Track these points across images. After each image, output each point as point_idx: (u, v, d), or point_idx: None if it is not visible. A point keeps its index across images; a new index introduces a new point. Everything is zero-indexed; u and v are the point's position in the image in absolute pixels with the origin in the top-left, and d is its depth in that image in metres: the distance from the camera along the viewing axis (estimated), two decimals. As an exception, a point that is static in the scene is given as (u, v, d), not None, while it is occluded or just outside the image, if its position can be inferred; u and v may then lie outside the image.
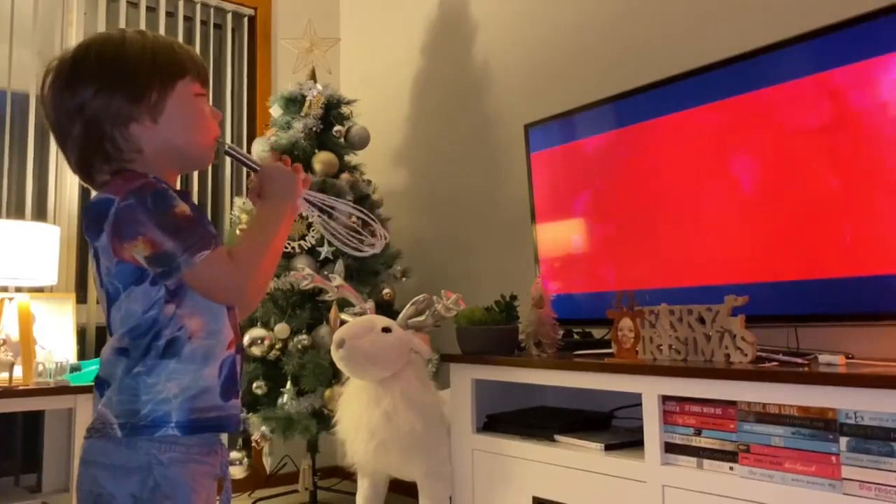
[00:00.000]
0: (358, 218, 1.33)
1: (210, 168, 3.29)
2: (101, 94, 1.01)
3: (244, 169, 3.24)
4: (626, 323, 1.80)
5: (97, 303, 2.91)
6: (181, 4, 3.28)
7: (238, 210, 2.79)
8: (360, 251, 1.28)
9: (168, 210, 0.98)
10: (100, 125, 1.01)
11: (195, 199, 3.28)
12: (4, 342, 2.40)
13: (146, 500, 0.96)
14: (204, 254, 0.97)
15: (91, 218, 1.01)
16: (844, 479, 1.34)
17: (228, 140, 3.43)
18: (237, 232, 2.70)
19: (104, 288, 1.02)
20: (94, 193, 1.05)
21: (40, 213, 2.89)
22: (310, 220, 1.17)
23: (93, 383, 1.04)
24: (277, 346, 2.55)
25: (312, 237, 2.62)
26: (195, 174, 3.19)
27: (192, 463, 0.99)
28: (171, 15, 3.27)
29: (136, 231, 0.96)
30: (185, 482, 0.98)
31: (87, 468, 0.99)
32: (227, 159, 3.32)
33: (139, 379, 0.97)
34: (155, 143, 1.04)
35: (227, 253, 1.00)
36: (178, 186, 1.09)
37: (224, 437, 1.12)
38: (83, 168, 1.05)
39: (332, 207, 1.24)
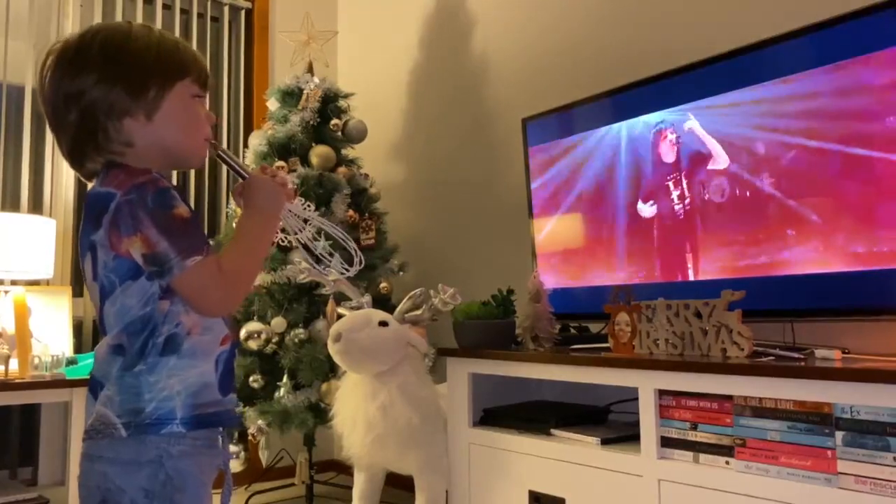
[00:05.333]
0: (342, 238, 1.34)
1: (208, 163, 3.28)
2: (101, 84, 1.01)
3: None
4: (622, 317, 1.80)
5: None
6: (178, -3, 3.26)
7: (235, 205, 2.78)
8: (342, 272, 1.31)
9: (167, 210, 0.97)
10: (95, 115, 1.01)
11: (194, 194, 3.28)
12: (0, 335, 2.39)
13: (157, 494, 0.96)
14: (195, 259, 0.97)
15: (90, 211, 1.00)
16: (840, 473, 1.35)
17: (225, 137, 3.41)
18: (233, 225, 2.69)
19: (98, 282, 1.01)
20: (89, 185, 1.05)
21: (36, 206, 2.88)
22: (290, 237, 1.18)
23: (89, 377, 1.04)
24: (274, 340, 2.55)
25: (309, 231, 2.61)
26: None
27: (200, 455, 1.00)
28: (167, 7, 3.25)
29: (135, 227, 0.96)
30: (195, 474, 0.99)
31: (93, 464, 0.98)
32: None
33: (141, 377, 0.97)
34: (147, 139, 1.04)
35: (217, 265, 1.00)
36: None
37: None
38: (74, 154, 1.05)
39: (308, 222, 1.25)
